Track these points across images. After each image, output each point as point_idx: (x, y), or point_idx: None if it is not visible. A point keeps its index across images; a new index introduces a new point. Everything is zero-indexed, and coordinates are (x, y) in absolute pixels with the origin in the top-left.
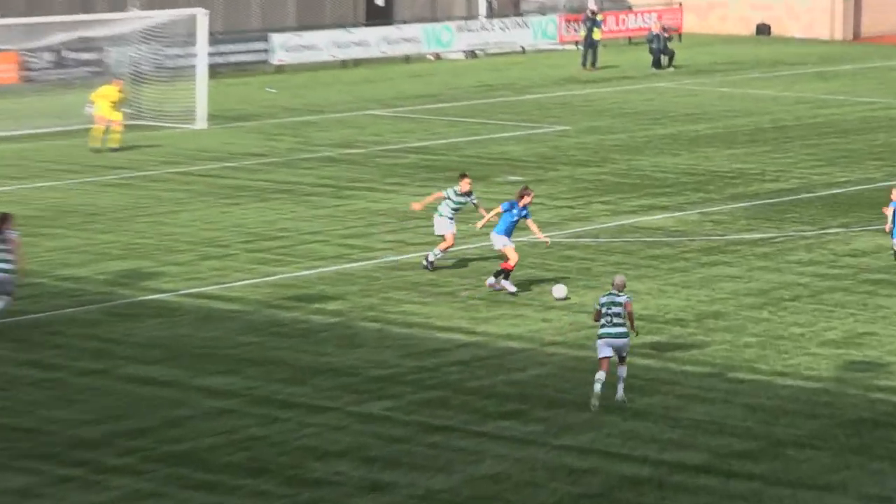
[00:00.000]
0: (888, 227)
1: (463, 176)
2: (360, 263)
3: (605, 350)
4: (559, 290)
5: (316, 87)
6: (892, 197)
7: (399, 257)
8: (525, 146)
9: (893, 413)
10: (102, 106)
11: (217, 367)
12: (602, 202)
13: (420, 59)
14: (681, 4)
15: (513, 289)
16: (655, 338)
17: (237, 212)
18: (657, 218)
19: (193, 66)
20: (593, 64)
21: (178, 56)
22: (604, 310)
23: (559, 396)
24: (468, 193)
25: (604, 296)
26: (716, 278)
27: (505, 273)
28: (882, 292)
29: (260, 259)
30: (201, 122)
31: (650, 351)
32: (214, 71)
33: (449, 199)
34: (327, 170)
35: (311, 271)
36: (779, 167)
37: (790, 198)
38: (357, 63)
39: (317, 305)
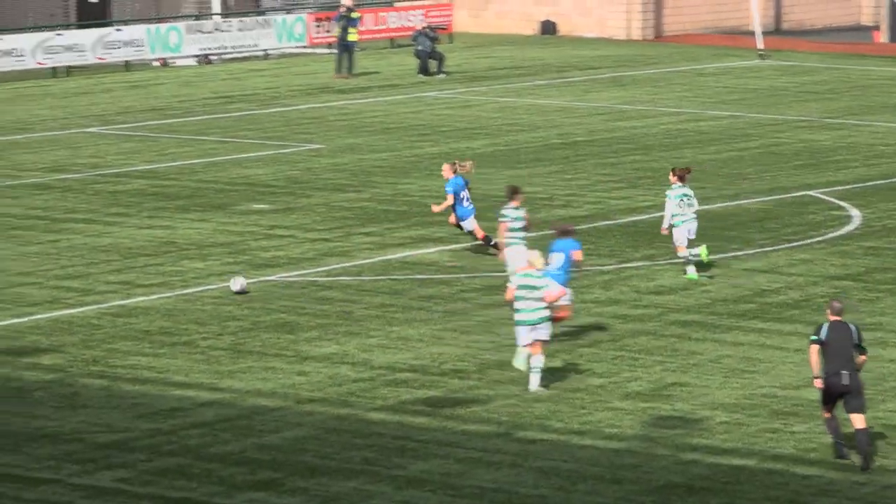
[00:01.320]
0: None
1: (515, 191)
2: (80, 309)
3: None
4: (237, 283)
5: (20, 101)
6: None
7: (126, 301)
8: (271, 168)
9: (709, 476)
10: None
11: None
12: (364, 234)
13: (144, 66)
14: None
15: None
16: (431, 392)
17: None
18: (430, 252)
19: None
20: (349, 70)
21: None
22: None
23: (320, 463)
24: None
25: None
26: (500, 321)
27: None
28: (694, 335)
29: None
30: None
31: (424, 407)
32: None
33: (507, 218)
34: (38, 199)
35: (22, 319)
36: (570, 190)
37: (584, 226)
38: (69, 71)
39: (29, 359)
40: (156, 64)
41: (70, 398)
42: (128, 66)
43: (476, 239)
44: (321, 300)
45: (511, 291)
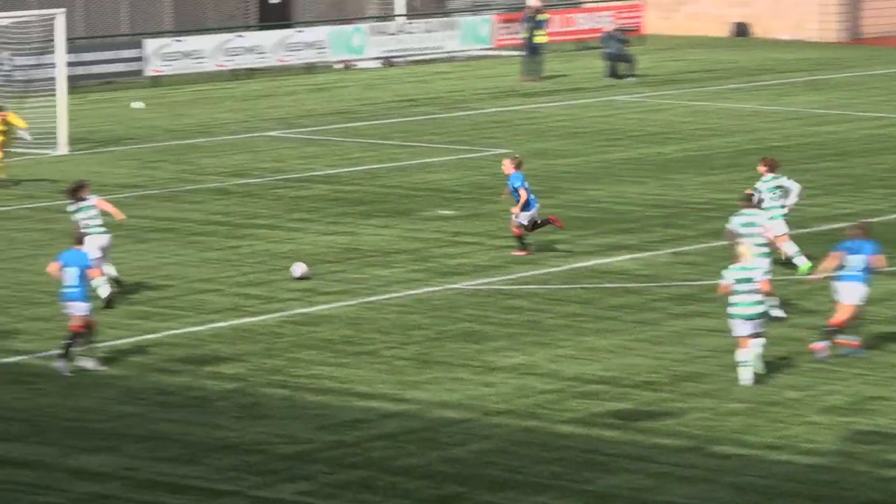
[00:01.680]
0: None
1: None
2: (262, 317)
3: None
4: (298, 268)
5: (201, 104)
6: None
7: (308, 309)
8: (457, 173)
9: None
10: None
11: (91, 444)
12: (552, 241)
13: (326, 68)
14: (642, 1)
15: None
16: (621, 404)
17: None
18: (619, 260)
19: (51, 79)
20: (536, 73)
21: (31, 67)
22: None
23: (507, 477)
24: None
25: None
26: (692, 332)
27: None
28: (894, 347)
29: (139, 313)
30: (62, 147)
31: (615, 420)
32: (76, 85)
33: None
34: (218, 204)
35: (203, 327)
36: None
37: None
38: (250, 74)
39: (210, 368)
40: (338, 66)
41: (251, 408)
42: (310, 68)
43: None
44: (508, 309)
45: (727, 285)
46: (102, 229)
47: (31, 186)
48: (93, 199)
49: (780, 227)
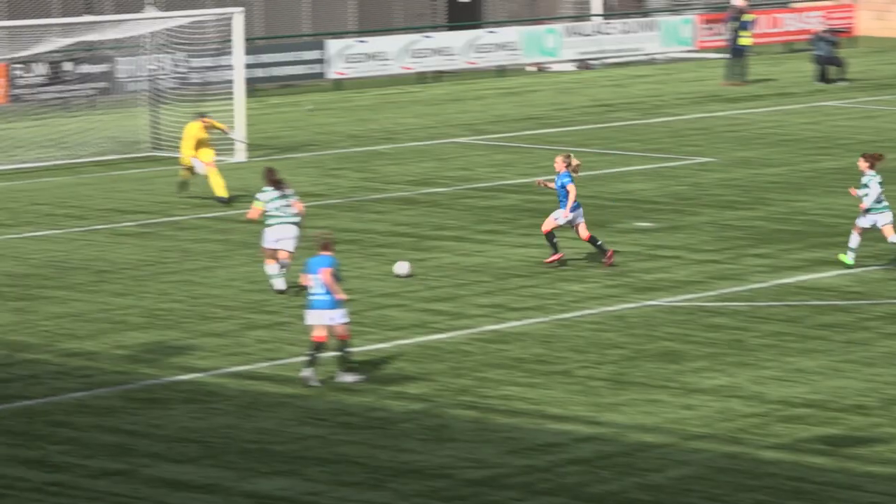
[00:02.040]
0: None
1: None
2: (449, 334)
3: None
4: (401, 267)
5: (385, 108)
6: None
7: (498, 326)
8: (656, 183)
9: None
10: (193, 147)
11: (269, 467)
12: (756, 255)
13: (518, 71)
14: (854, 0)
15: None
16: (830, 430)
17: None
18: (828, 276)
19: (228, 82)
20: (741, 77)
21: (208, 69)
22: None
23: None
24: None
25: None
26: None
27: None
28: None
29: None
30: (240, 153)
31: (823, 446)
32: (255, 87)
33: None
34: (403, 214)
35: (387, 344)
36: None
37: None
38: (437, 76)
39: (395, 388)
40: (531, 69)
41: (438, 430)
42: (501, 71)
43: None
44: (709, 327)
45: None
46: (295, 219)
47: (206, 193)
48: (291, 193)
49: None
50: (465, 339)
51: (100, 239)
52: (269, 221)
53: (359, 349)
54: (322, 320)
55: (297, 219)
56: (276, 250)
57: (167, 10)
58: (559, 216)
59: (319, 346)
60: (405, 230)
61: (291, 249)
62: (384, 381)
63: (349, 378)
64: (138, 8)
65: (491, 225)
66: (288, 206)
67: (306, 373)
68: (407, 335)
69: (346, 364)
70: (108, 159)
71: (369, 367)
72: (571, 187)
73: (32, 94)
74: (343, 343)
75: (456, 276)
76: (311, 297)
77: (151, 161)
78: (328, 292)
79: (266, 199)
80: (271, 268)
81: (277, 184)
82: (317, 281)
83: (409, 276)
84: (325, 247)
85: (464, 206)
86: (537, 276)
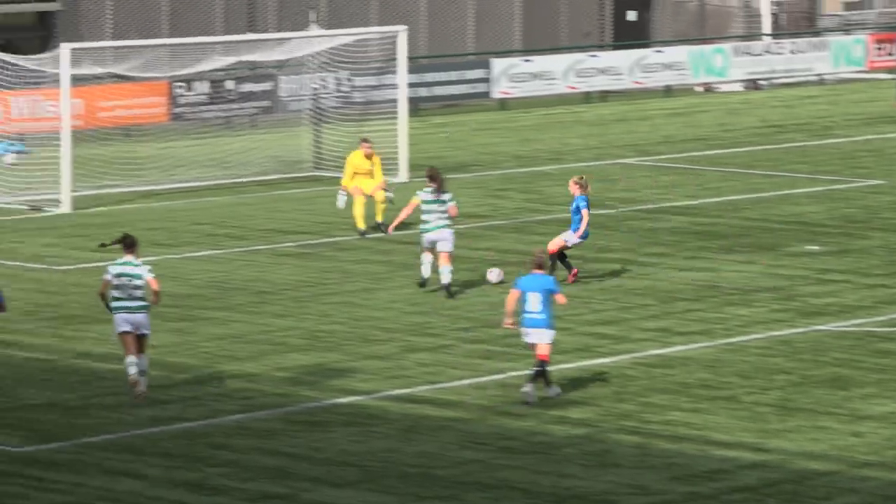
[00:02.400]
0: None
1: None
2: (613, 358)
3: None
4: (494, 274)
5: (551, 128)
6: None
7: (663, 350)
8: (825, 206)
9: None
10: (351, 177)
11: (430, 492)
12: None
13: (685, 91)
14: None
15: None
16: None
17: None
18: None
19: (392, 101)
20: None
21: (371, 88)
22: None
23: None
24: None
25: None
26: None
27: None
28: None
29: (481, 352)
30: (402, 174)
31: None
32: (418, 107)
33: None
34: None
35: (550, 368)
36: None
37: None
38: (603, 96)
39: (557, 413)
40: (698, 89)
41: (600, 456)
42: (668, 90)
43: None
44: (879, 353)
45: None
46: (448, 223)
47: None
48: (448, 198)
49: None
50: (629, 364)
51: (260, 259)
52: (424, 226)
53: (520, 373)
54: (542, 339)
55: (449, 222)
56: (434, 250)
57: (330, 28)
58: (570, 239)
59: (542, 364)
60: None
61: (450, 249)
62: (546, 405)
63: (552, 392)
64: (302, 26)
65: (656, 247)
66: (444, 210)
67: (527, 388)
68: (570, 359)
69: (547, 380)
70: (269, 179)
71: (537, 389)
72: (586, 212)
73: (194, 112)
74: (542, 362)
75: (620, 298)
76: (527, 316)
77: (313, 181)
78: (543, 311)
79: (423, 199)
80: (426, 257)
81: (437, 184)
82: (534, 299)
83: (500, 282)
84: (539, 265)
85: (629, 227)
86: (703, 300)
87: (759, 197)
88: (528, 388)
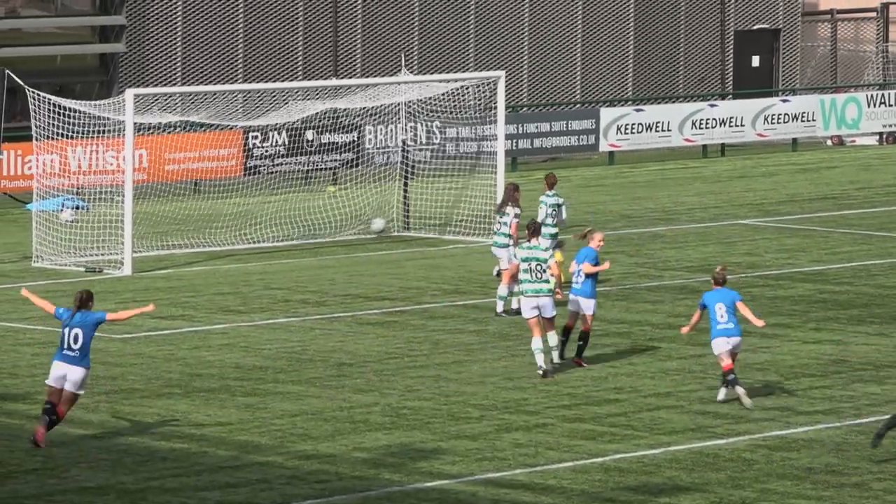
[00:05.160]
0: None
1: None
2: (729, 440)
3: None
4: (378, 224)
5: (663, 185)
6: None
7: (785, 431)
8: None
9: None
10: None
11: None
12: None
13: (814, 144)
14: None
15: None
16: None
17: None
18: None
19: (488, 154)
20: None
21: (467, 139)
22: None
23: None
24: None
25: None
26: None
27: None
28: None
29: (584, 432)
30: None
31: None
32: (517, 160)
33: None
34: (681, 304)
35: (658, 450)
36: None
37: None
38: (722, 150)
39: (666, 500)
40: (829, 143)
41: None
42: (794, 144)
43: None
44: None
45: None
46: (504, 241)
47: (460, 278)
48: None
49: None
50: (747, 446)
51: (340, 328)
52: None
53: (627, 455)
54: (728, 347)
55: (505, 240)
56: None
57: (422, 73)
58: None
59: (729, 373)
60: (682, 322)
61: (503, 266)
62: (654, 491)
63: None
64: (392, 72)
65: (780, 317)
66: (505, 224)
67: (722, 395)
68: (681, 440)
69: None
70: (352, 239)
71: (639, 475)
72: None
73: (271, 165)
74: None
75: (738, 373)
76: (718, 326)
77: (401, 241)
78: (731, 320)
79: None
80: (501, 288)
81: (513, 201)
82: (724, 310)
83: (382, 231)
84: (722, 282)
85: (749, 295)
86: (831, 376)
87: (895, 262)
88: (722, 394)
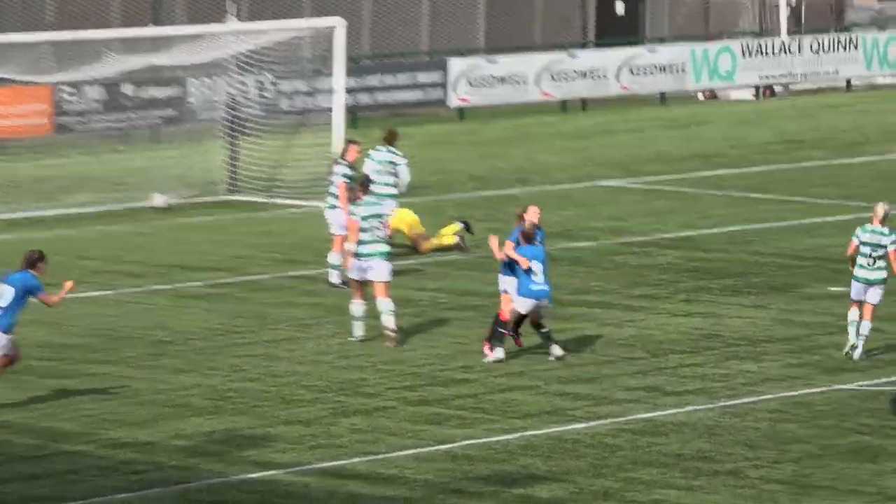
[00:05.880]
0: None
1: None
2: (590, 423)
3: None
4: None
5: (518, 143)
6: None
7: (652, 414)
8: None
9: None
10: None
11: None
12: None
13: (684, 98)
14: None
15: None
16: None
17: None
18: None
19: (325, 110)
20: None
21: (302, 94)
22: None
23: None
24: None
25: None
26: None
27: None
28: None
29: (430, 416)
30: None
31: None
32: (357, 116)
33: None
34: None
35: (512, 436)
36: None
37: None
38: (584, 104)
39: (521, 491)
40: (700, 96)
41: None
42: (663, 98)
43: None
44: None
45: None
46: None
47: (297, 245)
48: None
49: None
50: (610, 431)
51: (159, 302)
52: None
53: (477, 440)
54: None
55: (335, 201)
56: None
57: (251, 20)
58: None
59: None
60: None
61: (333, 232)
62: (508, 481)
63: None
64: (216, 18)
65: (645, 288)
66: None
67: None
68: (537, 424)
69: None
70: (173, 203)
71: (490, 463)
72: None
73: (84, 122)
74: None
75: (601, 351)
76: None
77: (227, 206)
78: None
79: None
80: (333, 256)
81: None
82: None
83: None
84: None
85: (612, 263)
86: (701, 353)
87: (773, 227)
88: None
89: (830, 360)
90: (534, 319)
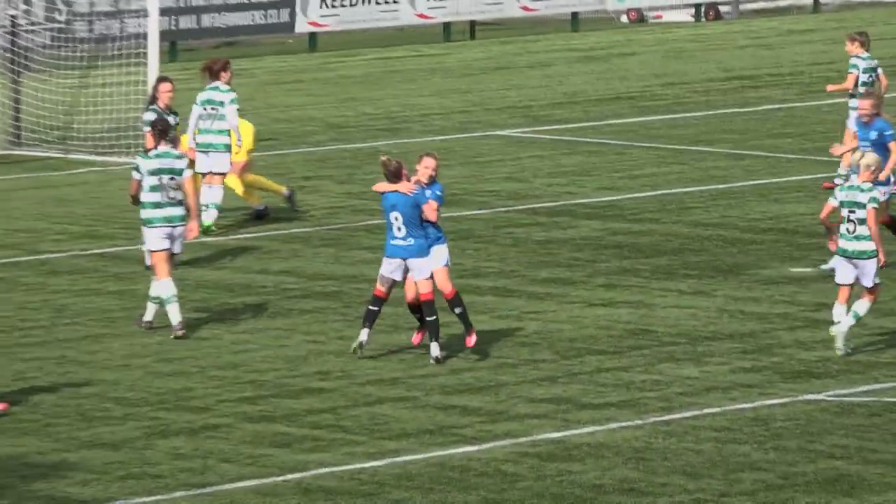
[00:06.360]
0: None
1: None
2: (483, 446)
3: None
4: None
5: (387, 81)
6: None
7: (559, 433)
8: (819, 204)
9: None
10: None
11: None
12: None
13: (603, 21)
14: None
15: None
16: None
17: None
18: None
19: (135, 37)
20: None
21: (104, 16)
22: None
23: None
24: None
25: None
26: None
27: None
28: None
29: (275, 437)
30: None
31: None
32: (179, 47)
33: None
34: None
35: (381, 462)
36: None
37: None
38: (473, 30)
39: None
40: (623, 20)
41: None
42: (575, 21)
43: None
44: None
45: None
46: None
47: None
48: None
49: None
50: (509, 455)
51: None
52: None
53: (337, 468)
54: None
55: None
56: None
57: None
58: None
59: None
60: None
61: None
62: None
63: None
64: None
65: (555, 269)
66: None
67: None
68: (414, 447)
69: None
70: None
71: (354, 497)
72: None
73: None
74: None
75: (497, 352)
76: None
77: (9, 163)
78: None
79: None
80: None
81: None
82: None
83: None
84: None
85: (511, 239)
86: (627, 354)
87: (717, 189)
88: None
89: (794, 362)
90: (413, 298)
